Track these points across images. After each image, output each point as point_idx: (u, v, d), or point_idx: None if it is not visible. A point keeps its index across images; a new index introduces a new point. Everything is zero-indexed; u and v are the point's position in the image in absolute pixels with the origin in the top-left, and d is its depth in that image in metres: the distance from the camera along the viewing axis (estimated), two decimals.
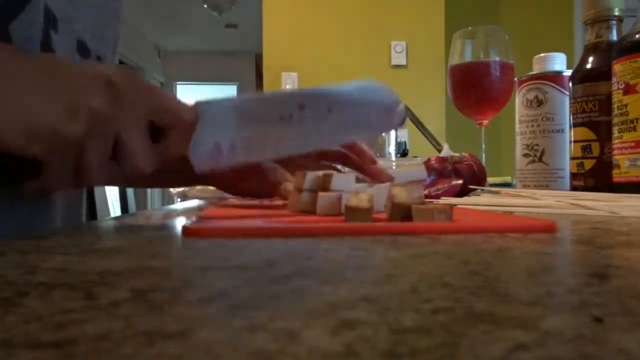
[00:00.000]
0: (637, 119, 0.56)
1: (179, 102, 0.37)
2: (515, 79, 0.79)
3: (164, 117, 0.35)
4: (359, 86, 0.43)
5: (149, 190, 5.33)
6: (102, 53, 0.45)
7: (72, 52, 0.41)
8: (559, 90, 0.73)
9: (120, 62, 4.61)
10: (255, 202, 0.58)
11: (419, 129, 1.26)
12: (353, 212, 0.33)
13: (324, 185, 0.40)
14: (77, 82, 0.33)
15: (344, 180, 0.40)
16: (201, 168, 0.36)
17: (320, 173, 0.42)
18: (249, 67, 6.02)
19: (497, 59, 0.82)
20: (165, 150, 0.35)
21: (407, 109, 1.24)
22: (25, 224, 0.40)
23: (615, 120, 0.59)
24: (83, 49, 0.42)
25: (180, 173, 0.40)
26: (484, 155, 0.83)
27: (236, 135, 0.37)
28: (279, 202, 0.53)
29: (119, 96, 0.33)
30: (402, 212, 0.34)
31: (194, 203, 0.73)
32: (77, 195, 0.51)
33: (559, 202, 0.48)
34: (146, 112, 0.34)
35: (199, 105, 0.36)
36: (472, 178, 0.69)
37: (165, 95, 0.36)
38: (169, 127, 0.35)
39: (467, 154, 0.73)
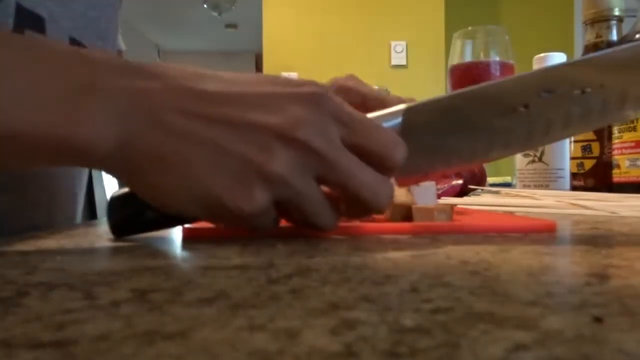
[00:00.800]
0: (637, 119, 0.56)
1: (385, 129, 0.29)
2: None
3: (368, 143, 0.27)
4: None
5: None
6: (99, 47, 0.45)
7: None
8: None
9: None
10: None
11: None
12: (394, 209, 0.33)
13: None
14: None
15: (427, 190, 0.37)
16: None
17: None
18: (249, 67, 6.02)
19: (497, 59, 0.82)
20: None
21: None
22: (20, 221, 0.40)
23: None
24: (75, 45, 0.42)
25: None
26: None
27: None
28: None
29: None
30: (402, 212, 0.34)
31: None
32: (71, 195, 0.51)
33: (559, 202, 0.48)
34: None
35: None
36: (472, 178, 0.69)
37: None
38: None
39: None
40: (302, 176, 0.25)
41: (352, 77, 0.42)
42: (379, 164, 0.27)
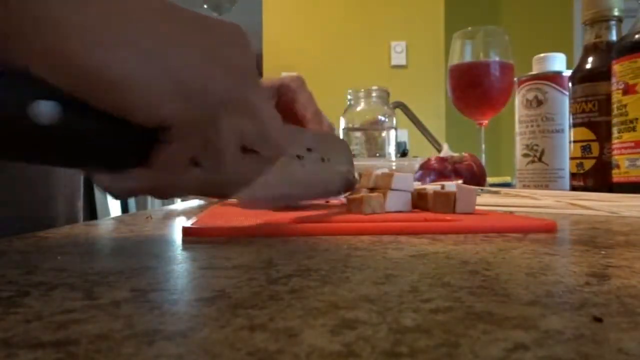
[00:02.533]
0: (636, 119, 0.56)
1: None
2: (515, 79, 0.79)
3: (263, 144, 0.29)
4: (330, 139, 0.44)
5: None
6: None
7: None
8: (558, 90, 0.73)
9: None
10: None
11: (419, 129, 1.26)
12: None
13: (384, 184, 0.40)
14: (228, 39, 0.27)
15: (405, 179, 0.40)
16: (247, 207, 0.33)
17: (380, 172, 0.43)
18: None
19: (497, 59, 0.82)
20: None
21: (407, 109, 1.24)
22: (27, 219, 0.40)
23: (615, 120, 0.59)
24: None
25: None
26: (484, 155, 0.83)
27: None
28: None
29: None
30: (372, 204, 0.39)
31: (194, 203, 0.73)
32: (76, 191, 0.51)
33: (559, 202, 0.48)
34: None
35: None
36: (472, 178, 0.69)
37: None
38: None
39: (467, 154, 0.73)
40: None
41: (298, 78, 0.49)
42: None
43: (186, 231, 0.30)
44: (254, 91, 0.28)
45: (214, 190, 0.29)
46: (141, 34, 0.23)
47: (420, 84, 2.42)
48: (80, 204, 0.52)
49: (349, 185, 0.46)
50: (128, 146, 0.24)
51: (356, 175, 0.48)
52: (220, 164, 0.26)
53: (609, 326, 0.12)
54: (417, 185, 0.45)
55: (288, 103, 0.48)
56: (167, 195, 0.27)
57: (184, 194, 0.29)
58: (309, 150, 0.39)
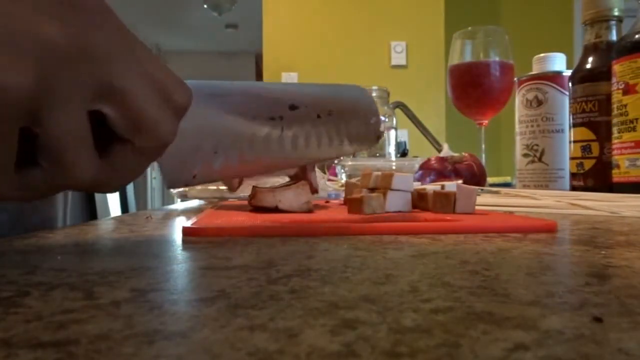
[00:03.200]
0: (636, 119, 0.56)
1: (175, 82, 0.23)
2: (515, 79, 0.79)
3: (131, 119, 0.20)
4: (344, 91, 0.40)
5: (149, 190, 5.33)
6: None
7: None
8: (558, 90, 0.73)
9: None
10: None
11: (419, 129, 1.26)
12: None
13: (384, 184, 0.40)
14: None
15: (405, 179, 0.40)
16: (173, 184, 0.29)
17: (379, 173, 0.42)
18: (249, 67, 6.03)
19: (497, 59, 0.82)
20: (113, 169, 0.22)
21: (407, 108, 1.24)
22: (24, 223, 0.40)
23: (615, 120, 0.59)
24: None
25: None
26: (484, 155, 0.83)
27: (221, 140, 0.31)
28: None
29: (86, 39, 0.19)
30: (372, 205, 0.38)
31: (194, 203, 0.73)
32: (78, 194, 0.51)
33: (559, 202, 0.48)
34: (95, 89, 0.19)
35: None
36: (472, 178, 0.69)
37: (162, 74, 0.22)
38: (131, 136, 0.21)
39: (467, 154, 0.73)
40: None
41: None
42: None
43: (186, 231, 0.30)
44: (120, 43, 0.20)
45: (71, 188, 0.21)
46: None
47: (420, 84, 2.42)
48: (67, 207, 0.52)
49: (372, 137, 0.41)
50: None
51: (381, 127, 0.44)
52: (60, 166, 0.19)
53: (609, 326, 0.12)
54: (417, 185, 0.45)
55: None
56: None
57: (25, 196, 0.21)
58: (292, 108, 0.34)
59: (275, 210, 0.39)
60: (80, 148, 0.19)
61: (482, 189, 0.68)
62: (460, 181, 0.65)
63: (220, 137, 0.31)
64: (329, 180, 0.78)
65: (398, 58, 2.46)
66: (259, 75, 5.23)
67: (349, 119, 0.39)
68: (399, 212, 0.39)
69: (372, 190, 0.41)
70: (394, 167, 0.76)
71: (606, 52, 0.63)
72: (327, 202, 0.55)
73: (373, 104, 0.41)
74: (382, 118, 0.95)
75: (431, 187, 0.47)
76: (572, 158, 0.67)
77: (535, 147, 0.74)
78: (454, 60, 0.85)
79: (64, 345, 0.11)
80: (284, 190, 0.39)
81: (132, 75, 0.20)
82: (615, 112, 0.59)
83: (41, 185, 0.20)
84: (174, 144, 0.23)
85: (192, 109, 0.25)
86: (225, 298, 0.15)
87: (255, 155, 0.33)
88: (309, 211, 0.39)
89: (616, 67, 0.58)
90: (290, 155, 0.36)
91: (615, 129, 0.59)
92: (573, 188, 0.66)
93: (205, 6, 3.82)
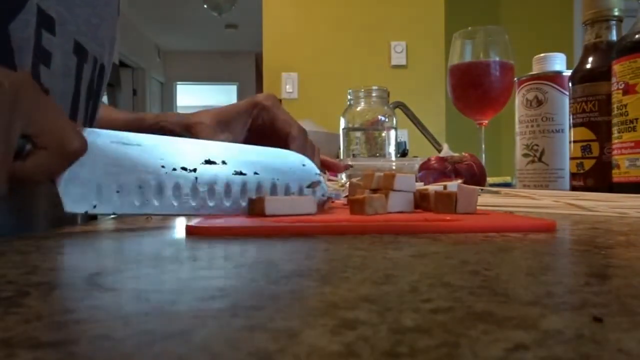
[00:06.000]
0: (636, 119, 0.56)
1: (66, 123, 0.31)
2: (515, 79, 0.79)
3: (40, 133, 0.29)
4: (279, 157, 0.41)
5: None
6: (98, 53, 0.45)
7: (69, 53, 0.41)
8: (558, 90, 0.73)
9: (121, 62, 4.61)
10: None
11: (419, 129, 1.26)
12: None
13: (386, 185, 0.40)
14: None
15: (407, 180, 0.40)
16: (72, 209, 0.32)
17: (381, 174, 0.41)
18: (249, 67, 6.03)
19: (497, 59, 0.82)
20: (23, 169, 0.29)
21: (407, 108, 1.24)
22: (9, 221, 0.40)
23: (615, 120, 0.59)
24: (79, 50, 0.42)
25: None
26: (484, 155, 0.83)
27: (125, 182, 0.33)
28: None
29: None
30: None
31: None
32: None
33: (559, 202, 0.48)
34: (22, 119, 0.29)
35: (84, 134, 0.32)
36: (472, 178, 0.69)
37: (52, 112, 0.31)
38: (42, 146, 0.30)
39: (467, 154, 0.73)
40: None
41: (272, 96, 0.48)
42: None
43: (189, 230, 0.30)
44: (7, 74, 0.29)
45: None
46: None
47: (420, 84, 2.42)
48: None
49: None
50: None
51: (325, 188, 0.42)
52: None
53: (609, 326, 0.12)
54: (420, 185, 0.45)
55: (267, 122, 0.47)
56: None
57: None
58: (208, 162, 0.37)
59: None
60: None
61: (482, 189, 0.68)
62: (460, 181, 0.65)
63: (125, 179, 0.34)
64: (329, 180, 0.78)
65: (398, 58, 2.46)
66: (258, 76, 5.23)
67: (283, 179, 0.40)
68: (401, 212, 0.39)
69: (375, 191, 0.41)
70: (394, 167, 0.77)
71: (606, 52, 0.63)
72: (332, 201, 0.55)
73: (313, 170, 0.42)
74: (382, 118, 0.95)
75: (433, 187, 0.47)
76: (572, 158, 0.67)
77: (535, 147, 0.74)
78: (454, 60, 0.85)
79: (64, 345, 0.11)
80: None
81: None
82: (615, 112, 0.59)
83: None
84: (78, 175, 0.32)
85: (100, 153, 0.33)
86: (225, 298, 0.15)
87: (164, 202, 0.35)
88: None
89: (616, 67, 0.58)
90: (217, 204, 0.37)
91: (615, 129, 0.59)
92: (573, 188, 0.66)
93: (205, 6, 3.82)
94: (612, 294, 0.15)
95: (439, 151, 0.94)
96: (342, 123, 0.96)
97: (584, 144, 0.64)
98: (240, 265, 0.20)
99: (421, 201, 0.41)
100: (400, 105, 1.22)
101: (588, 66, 0.65)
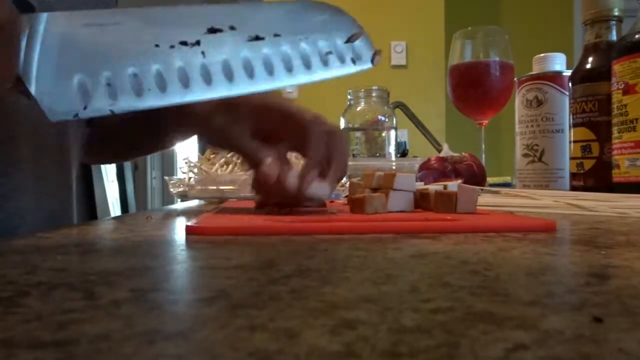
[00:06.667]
0: (636, 119, 0.56)
1: None
2: (515, 79, 0.79)
3: None
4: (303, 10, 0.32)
5: (149, 190, 5.33)
6: None
7: None
8: (558, 90, 0.73)
9: None
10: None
11: (419, 129, 1.26)
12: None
13: (387, 184, 0.40)
14: None
15: (407, 179, 0.40)
16: (57, 117, 0.26)
17: (382, 173, 0.41)
18: None
19: (497, 59, 0.82)
20: None
21: (407, 108, 1.24)
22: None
23: (615, 120, 0.59)
24: None
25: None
26: (484, 155, 0.83)
27: (117, 73, 0.27)
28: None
29: None
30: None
31: (194, 203, 0.73)
32: (65, 195, 0.50)
33: (558, 202, 0.48)
34: None
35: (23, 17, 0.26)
36: (472, 178, 0.69)
37: None
38: None
39: (467, 154, 0.73)
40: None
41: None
42: None
43: (189, 230, 0.30)
44: None
45: None
46: None
47: (420, 84, 2.42)
48: (73, 208, 0.52)
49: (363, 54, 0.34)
50: None
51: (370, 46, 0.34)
52: None
53: (609, 326, 0.12)
54: (420, 185, 0.45)
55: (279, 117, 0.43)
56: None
57: None
58: (212, 31, 0.29)
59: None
60: None
61: (482, 189, 0.68)
62: (460, 181, 0.65)
63: (112, 69, 0.27)
64: None
65: (398, 58, 2.46)
66: None
67: (315, 38, 0.32)
68: (402, 211, 0.39)
69: (375, 190, 0.41)
70: (394, 167, 0.76)
71: (606, 52, 0.63)
72: (331, 202, 0.55)
73: (349, 21, 0.33)
74: (382, 118, 0.95)
75: (433, 187, 0.47)
76: (572, 158, 0.67)
77: (535, 147, 0.74)
78: (454, 60, 0.85)
79: (64, 345, 0.11)
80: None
81: None
82: (615, 112, 0.59)
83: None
84: (49, 74, 0.25)
85: (70, 40, 0.26)
86: (225, 298, 0.15)
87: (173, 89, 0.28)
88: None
89: (616, 67, 0.58)
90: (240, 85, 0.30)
91: (615, 129, 0.59)
92: (573, 188, 0.66)
93: None
94: (612, 294, 0.15)
95: (439, 151, 0.94)
96: (342, 123, 0.96)
97: (584, 144, 0.64)
98: (241, 265, 0.20)
99: (421, 201, 0.41)
100: (400, 105, 1.22)
101: (588, 66, 0.65)
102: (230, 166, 0.68)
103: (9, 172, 0.41)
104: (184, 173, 0.68)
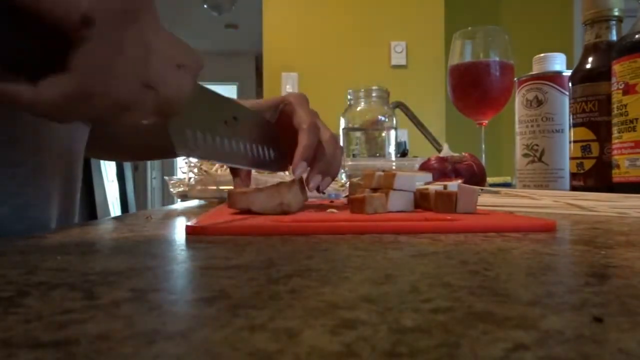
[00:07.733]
0: (636, 119, 0.56)
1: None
2: (515, 79, 0.79)
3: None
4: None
5: (149, 190, 5.33)
6: None
7: None
8: (558, 90, 0.73)
9: None
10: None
11: (419, 129, 1.26)
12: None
13: (387, 184, 0.40)
14: None
15: (407, 179, 0.40)
16: (182, 152, 0.32)
17: (382, 173, 0.42)
18: (249, 67, 6.02)
19: (497, 59, 0.82)
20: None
21: (407, 108, 1.24)
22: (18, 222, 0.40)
23: (615, 120, 0.59)
24: None
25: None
26: (484, 155, 0.83)
27: (206, 127, 0.35)
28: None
29: None
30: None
31: (194, 203, 0.73)
32: (71, 193, 0.51)
33: (558, 202, 0.48)
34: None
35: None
36: (472, 178, 0.69)
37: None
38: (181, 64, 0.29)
39: (467, 154, 0.73)
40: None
41: (302, 96, 0.51)
42: None
43: (189, 230, 0.30)
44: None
45: (162, 111, 0.28)
46: None
47: (420, 84, 2.42)
48: (76, 206, 0.52)
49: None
50: (42, 49, 0.23)
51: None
52: (164, 81, 0.27)
53: (609, 326, 0.12)
54: (420, 185, 0.45)
55: (289, 117, 0.49)
56: (105, 108, 0.25)
57: (135, 116, 0.27)
58: (235, 118, 0.40)
59: (249, 212, 0.40)
60: (170, 66, 0.28)
61: (482, 189, 0.68)
62: (460, 181, 0.65)
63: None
64: None
65: (398, 58, 2.46)
66: (258, 76, 5.23)
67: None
68: (402, 211, 0.39)
69: (375, 190, 0.41)
70: (394, 167, 0.76)
71: (606, 52, 0.63)
72: (331, 202, 0.55)
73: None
74: (382, 118, 0.95)
75: (433, 187, 0.47)
76: (572, 158, 0.67)
77: (535, 147, 0.74)
78: (454, 60, 0.85)
79: (64, 345, 0.11)
80: (256, 192, 0.39)
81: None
82: (615, 112, 0.59)
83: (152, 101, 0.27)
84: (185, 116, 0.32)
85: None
86: (225, 298, 0.15)
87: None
88: (283, 213, 0.39)
89: (616, 67, 0.58)
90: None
91: (615, 129, 0.59)
92: (573, 188, 0.66)
93: (205, 6, 3.82)
94: (612, 294, 0.15)
95: (439, 151, 0.94)
96: (342, 123, 0.96)
97: (584, 144, 0.64)
98: (241, 265, 0.20)
99: (421, 201, 0.41)
100: (400, 105, 1.22)
101: (588, 66, 0.65)
102: None
103: (39, 181, 0.43)
104: (184, 173, 0.68)
